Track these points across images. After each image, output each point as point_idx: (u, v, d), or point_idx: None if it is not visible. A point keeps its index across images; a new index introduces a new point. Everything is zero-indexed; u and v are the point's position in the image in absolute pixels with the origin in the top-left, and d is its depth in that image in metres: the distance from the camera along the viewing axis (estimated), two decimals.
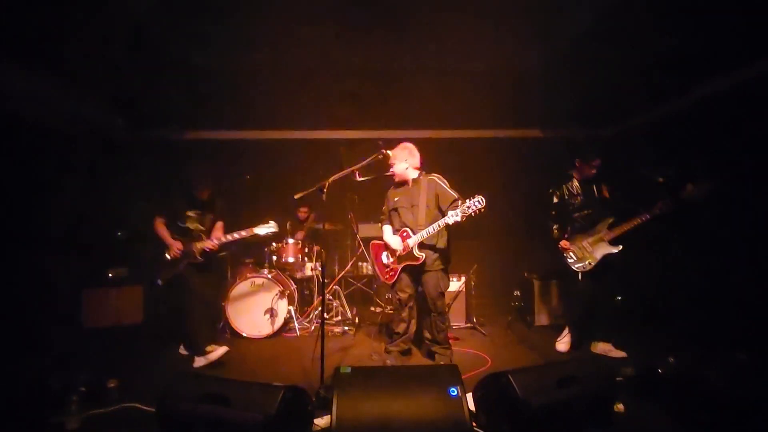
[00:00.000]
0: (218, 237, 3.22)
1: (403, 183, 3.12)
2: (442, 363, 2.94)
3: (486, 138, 5.41)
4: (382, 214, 3.27)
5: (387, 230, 3.16)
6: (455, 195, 2.92)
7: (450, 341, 3.19)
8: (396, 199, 3.11)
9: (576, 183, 3.37)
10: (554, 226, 3.40)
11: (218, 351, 3.07)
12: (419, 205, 2.98)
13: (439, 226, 2.81)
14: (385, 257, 3.13)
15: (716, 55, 3.27)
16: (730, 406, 1.97)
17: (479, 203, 2.65)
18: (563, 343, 3.39)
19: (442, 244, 3.01)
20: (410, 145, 3.11)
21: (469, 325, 4.14)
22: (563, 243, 3.30)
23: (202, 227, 3.26)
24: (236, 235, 3.21)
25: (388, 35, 3.34)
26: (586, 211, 3.31)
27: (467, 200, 2.69)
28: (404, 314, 3.07)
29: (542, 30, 3.33)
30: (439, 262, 3.00)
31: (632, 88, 3.99)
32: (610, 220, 3.19)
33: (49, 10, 2.71)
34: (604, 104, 4.49)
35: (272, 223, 3.24)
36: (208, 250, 3.19)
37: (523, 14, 3.05)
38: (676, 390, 2.21)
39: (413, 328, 3.16)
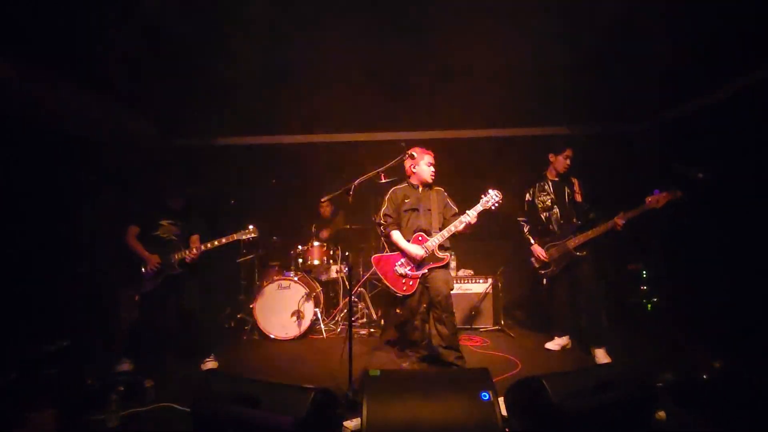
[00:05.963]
0: (197, 247, 3.11)
1: (412, 186, 3.09)
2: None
3: (509, 137, 5.30)
4: (384, 218, 3.05)
5: (400, 237, 2.98)
6: (456, 209, 3.06)
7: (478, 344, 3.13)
8: (407, 200, 3.04)
9: (549, 182, 3.39)
10: (525, 228, 3.45)
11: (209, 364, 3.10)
12: (434, 211, 2.99)
13: (462, 223, 2.81)
14: (399, 267, 2.94)
15: (749, 47, 3.09)
16: None
17: (497, 196, 2.78)
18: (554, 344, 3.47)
19: (447, 241, 2.99)
20: (428, 151, 3.12)
21: (497, 327, 4.06)
22: (534, 248, 3.34)
23: (175, 237, 3.15)
24: (216, 242, 3.14)
25: (408, 36, 3.32)
26: (555, 213, 3.31)
27: (483, 196, 2.80)
28: (417, 322, 3.01)
29: (568, 25, 3.24)
30: (447, 258, 2.97)
31: (661, 83, 3.84)
32: (577, 224, 3.19)
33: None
34: (632, 99, 4.32)
35: (252, 228, 3.24)
36: (187, 260, 3.09)
37: (549, 10, 2.98)
38: (722, 397, 2.09)
39: (427, 332, 3.08)
